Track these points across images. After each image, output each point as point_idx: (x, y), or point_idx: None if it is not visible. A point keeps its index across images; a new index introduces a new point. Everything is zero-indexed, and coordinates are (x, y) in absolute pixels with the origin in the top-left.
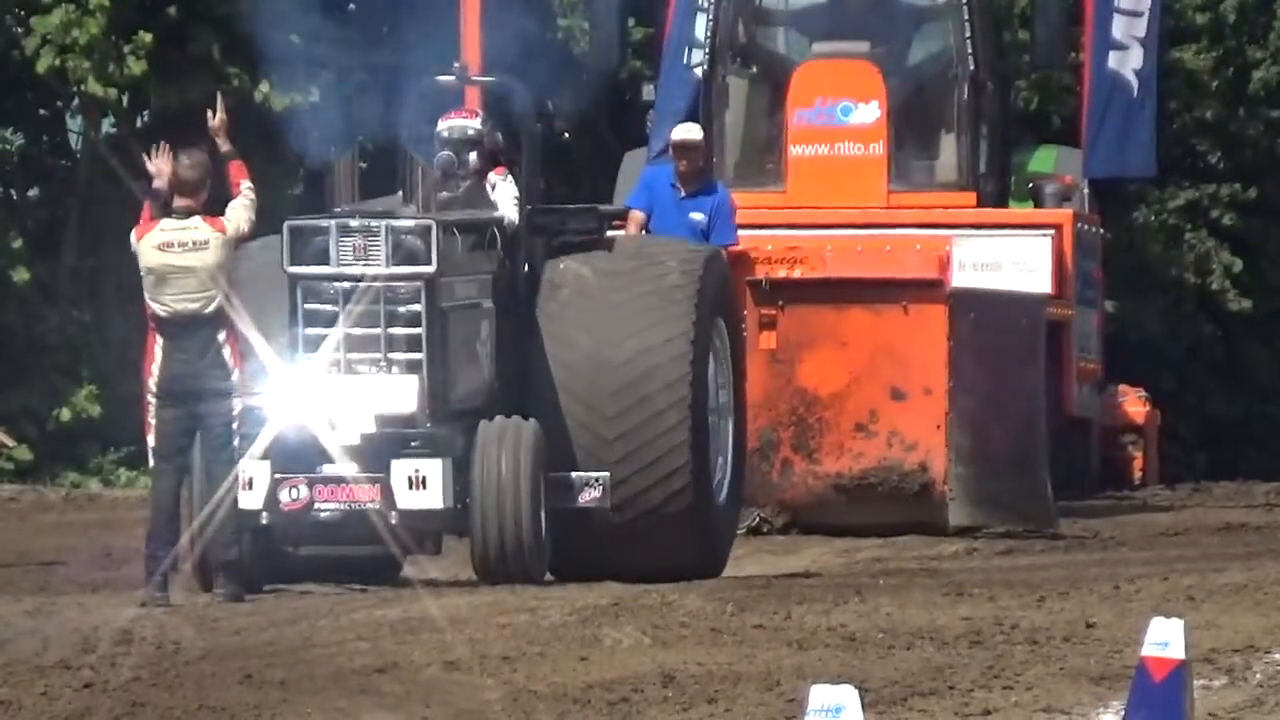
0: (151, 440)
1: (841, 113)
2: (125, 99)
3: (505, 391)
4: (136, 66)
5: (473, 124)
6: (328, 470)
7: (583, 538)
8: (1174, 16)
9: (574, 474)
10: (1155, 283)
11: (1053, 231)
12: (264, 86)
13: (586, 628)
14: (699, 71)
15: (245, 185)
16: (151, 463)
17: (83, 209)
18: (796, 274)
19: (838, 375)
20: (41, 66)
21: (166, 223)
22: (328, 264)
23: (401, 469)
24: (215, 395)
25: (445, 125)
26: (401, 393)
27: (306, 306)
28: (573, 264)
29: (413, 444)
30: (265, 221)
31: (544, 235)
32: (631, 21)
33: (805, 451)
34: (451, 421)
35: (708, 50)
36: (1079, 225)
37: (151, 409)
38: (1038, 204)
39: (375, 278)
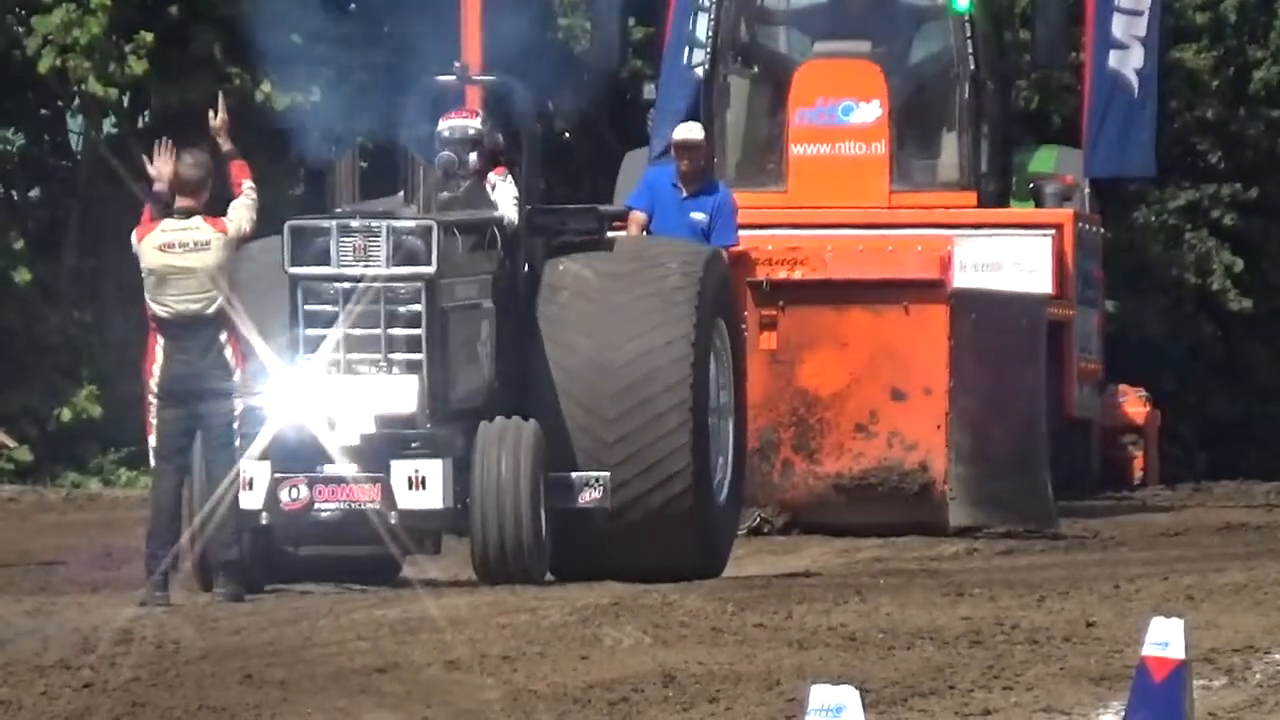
0: (152, 440)
1: (843, 112)
2: (126, 99)
3: (505, 392)
4: (137, 66)
5: (473, 124)
6: (328, 470)
7: (583, 538)
8: (1174, 16)
9: (574, 474)
10: (1156, 283)
11: (1053, 231)
12: (265, 86)
13: (586, 628)
14: (700, 71)
15: (247, 185)
16: (152, 463)
17: (83, 209)
18: (797, 275)
19: (838, 375)
20: (42, 66)
21: (168, 223)
22: (328, 264)
23: (401, 469)
24: (216, 395)
25: (446, 125)
26: (401, 393)
27: (307, 307)
28: (573, 265)
29: (413, 444)
30: (266, 221)
31: (544, 235)
32: (632, 21)
33: (806, 452)
34: (451, 422)
35: (709, 50)
36: (1080, 225)
37: (152, 409)
38: (1038, 204)
39: (375, 278)
